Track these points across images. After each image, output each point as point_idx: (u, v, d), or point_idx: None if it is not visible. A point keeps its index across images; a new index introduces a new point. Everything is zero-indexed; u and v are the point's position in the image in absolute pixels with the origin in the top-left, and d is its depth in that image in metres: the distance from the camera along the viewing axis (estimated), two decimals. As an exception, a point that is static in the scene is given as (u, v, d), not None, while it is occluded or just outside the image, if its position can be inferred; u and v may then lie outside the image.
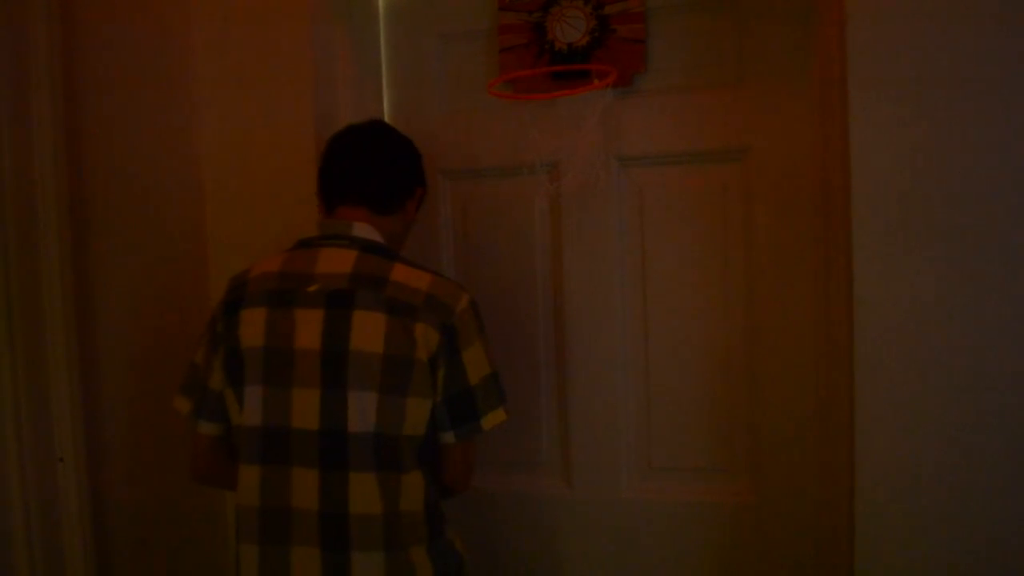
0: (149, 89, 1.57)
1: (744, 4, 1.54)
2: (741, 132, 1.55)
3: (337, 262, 1.26)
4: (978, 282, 1.24)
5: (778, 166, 1.53)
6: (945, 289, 1.25)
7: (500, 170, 1.70)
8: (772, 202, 1.54)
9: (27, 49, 1.29)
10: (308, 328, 1.22)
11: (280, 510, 1.21)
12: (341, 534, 1.19)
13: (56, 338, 1.32)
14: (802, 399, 1.54)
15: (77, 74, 1.39)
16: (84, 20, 1.42)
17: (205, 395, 1.30)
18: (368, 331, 1.20)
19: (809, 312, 1.52)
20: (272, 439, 1.22)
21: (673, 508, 1.64)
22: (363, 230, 1.30)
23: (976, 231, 1.24)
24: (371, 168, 1.34)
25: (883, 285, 1.27)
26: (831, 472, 1.44)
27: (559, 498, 1.70)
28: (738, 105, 1.55)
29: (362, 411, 1.19)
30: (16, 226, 1.27)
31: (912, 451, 1.28)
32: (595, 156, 1.61)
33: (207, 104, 1.68)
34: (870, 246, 1.28)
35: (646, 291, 1.63)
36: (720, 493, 1.62)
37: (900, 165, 1.26)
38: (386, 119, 1.77)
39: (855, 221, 1.28)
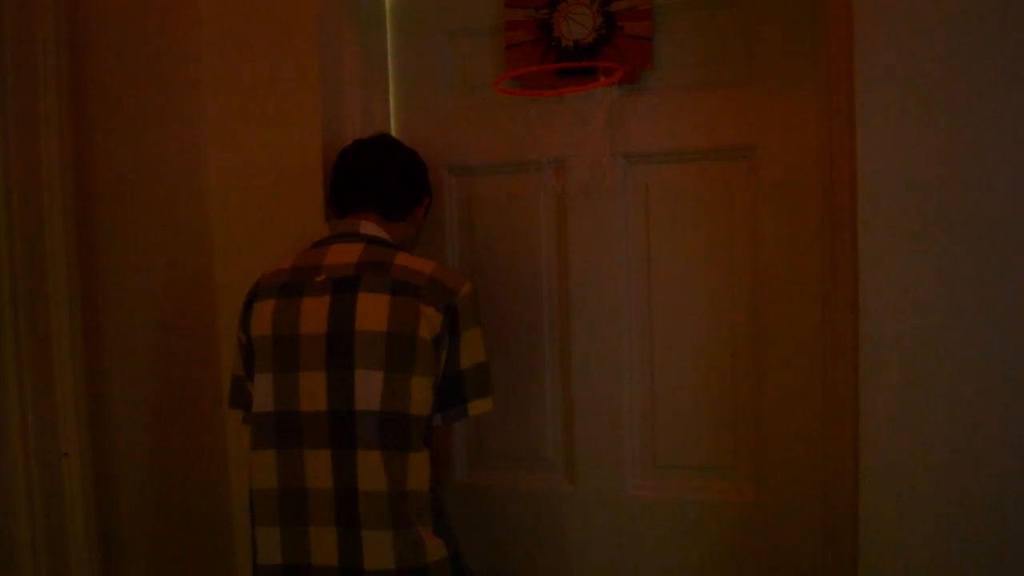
0: (156, 91, 1.57)
1: (752, 2, 1.54)
2: (748, 130, 1.55)
3: (345, 253, 1.32)
4: (983, 281, 1.24)
5: (784, 164, 1.53)
6: (950, 287, 1.25)
7: (506, 167, 1.69)
8: (778, 200, 1.54)
9: (35, 50, 1.29)
10: (314, 314, 1.27)
11: (297, 491, 1.25)
12: (352, 512, 1.23)
13: (62, 333, 1.32)
14: (806, 397, 1.54)
15: (84, 76, 1.39)
16: (92, 22, 1.41)
17: (249, 399, 1.36)
18: (372, 311, 1.25)
19: (814, 310, 1.52)
20: (284, 423, 1.26)
21: (677, 506, 1.64)
22: (370, 228, 1.37)
23: (981, 229, 1.24)
24: (379, 179, 1.41)
25: (887, 283, 1.27)
26: (835, 471, 1.45)
27: (563, 495, 1.70)
28: (745, 103, 1.55)
29: (369, 390, 1.23)
30: (23, 222, 1.27)
31: (916, 450, 1.28)
32: (601, 153, 1.61)
33: (214, 104, 1.67)
34: (874, 244, 1.28)
35: (651, 288, 1.63)
36: (724, 491, 1.62)
37: (905, 164, 1.26)
38: (392, 116, 1.77)
39: (860, 219, 1.28)
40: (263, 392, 1.28)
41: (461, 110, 1.73)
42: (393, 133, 1.77)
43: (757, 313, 1.58)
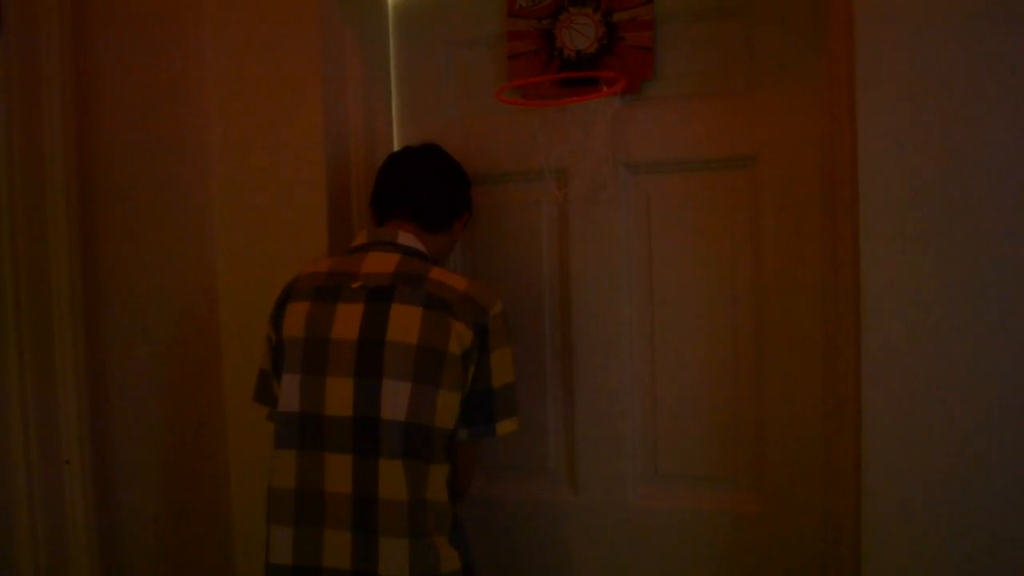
0: (159, 92, 1.58)
1: (753, 12, 1.54)
2: (749, 139, 1.55)
3: (381, 263, 1.34)
4: (986, 285, 1.24)
5: (786, 173, 1.53)
6: (953, 293, 1.25)
7: (508, 176, 1.70)
8: (779, 209, 1.54)
9: (39, 49, 1.29)
10: (347, 321, 1.29)
11: (315, 493, 1.26)
12: (370, 518, 1.24)
13: (64, 339, 1.32)
14: (809, 407, 1.54)
15: (87, 76, 1.40)
16: (95, 22, 1.42)
17: (274, 395, 1.38)
18: (404, 323, 1.27)
19: (816, 320, 1.52)
20: (307, 425, 1.28)
21: (679, 515, 1.63)
22: (408, 239, 1.38)
23: (984, 233, 1.24)
24: (423, 191, 1.43)
25: (890, 292, 1.27)
26: (837, 480, 1.45)
27: (565, 505, 1.70)
28: (746, 112, 1.55)
29: (395, 400, 1.24)
30: (26, 229, 1.28)
31: (919, 458, 1.28)
32: (603, 163, 1.61)
33: (216, 107, 1.68)
34: (877, 251, 1.28)
35: (653, 298, 1.63)
36: (726, 501, 1.62)
37: (907, 170, 1.26)
38: (395, 124, 1.78)
39: (862, 227, 1.28)
40: (290, 392, 1.30)
41: (463, 119, 1.74)
42: (394, 141, 1.78)
43: (759, 322, 1.57)
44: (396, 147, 1.76)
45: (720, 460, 1.62)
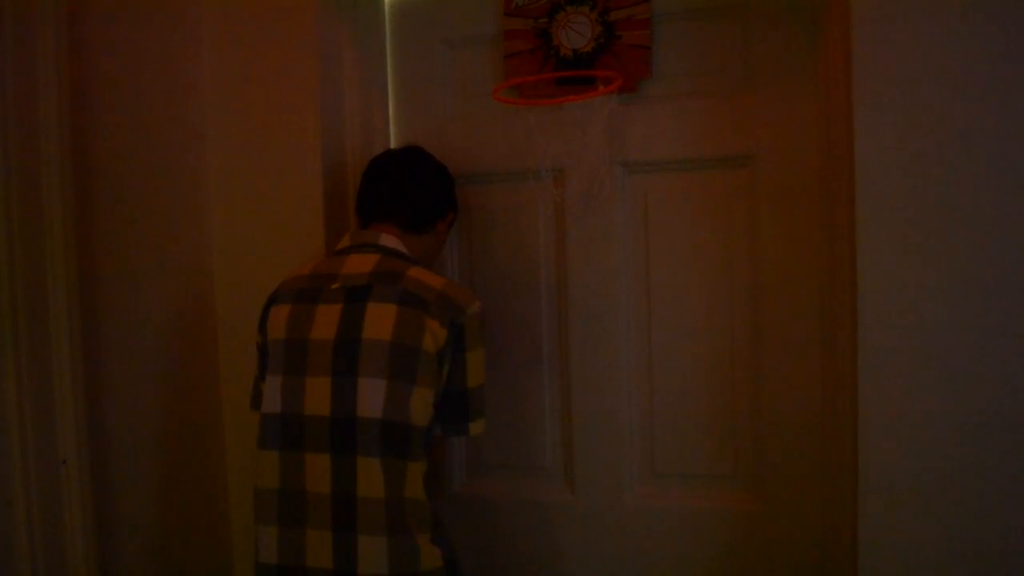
0: (155, 90, 1.57)
1: (751, 11, 1.54)
2: (746, 139, 1.55)
3: (361, 264, 1.35)
4: (983, 286, 1.24)
5: (783, 173, 1.53)
6: (950, 294, 1.25)
7: (505, 175, 1.70)
8: (776, 209, 1.54)
9: (35, 48, 1.29)
10: (326, 321, 1.30)
11: (297, 493, 1.27)
12: (349, 517, 1.24)
13: (60, 339, 1.32)
14: (806, 406, 1.54)
15: (84, 74, 1.40)
16: (92, 21, 1.42)
17: None
18: (379, 321, 1.28)
19: (813, 318, 1.52)
20: (288, 426, 1.29)
21: (676, 514, 1.63)
22: (389, 240, 1.40)
23: (981, 234, 1.24)
24: (405, 192, 1.44)
25: (887, 290, 1.28)
26: (834, 479, 1.45)
27: (562, 504, 1.70)
28: (743, 112, 1.55)
29: (372, 397, 1.25)
30: (22, 228, 1.27)
31: (915, 456, 1.28)
32: (600, 162, 1.61)
33: (213, 106, 1.68)
34: (874, 251, 1.28)
35: (650, 297, 1.63)
36: (723, 500, 1.62)
37: (905, 168, 1.26)
38: (392, 124, 1.78)
39: (859, 226, 1.29)
40: (272, 394, 1.31)
41: (460, 119, 1.74)
42: (391, 139, 1.78)
43: (756, 322, 1.57)
44: (393, 145, 1.76)
45: (717, 459, 1.62)
